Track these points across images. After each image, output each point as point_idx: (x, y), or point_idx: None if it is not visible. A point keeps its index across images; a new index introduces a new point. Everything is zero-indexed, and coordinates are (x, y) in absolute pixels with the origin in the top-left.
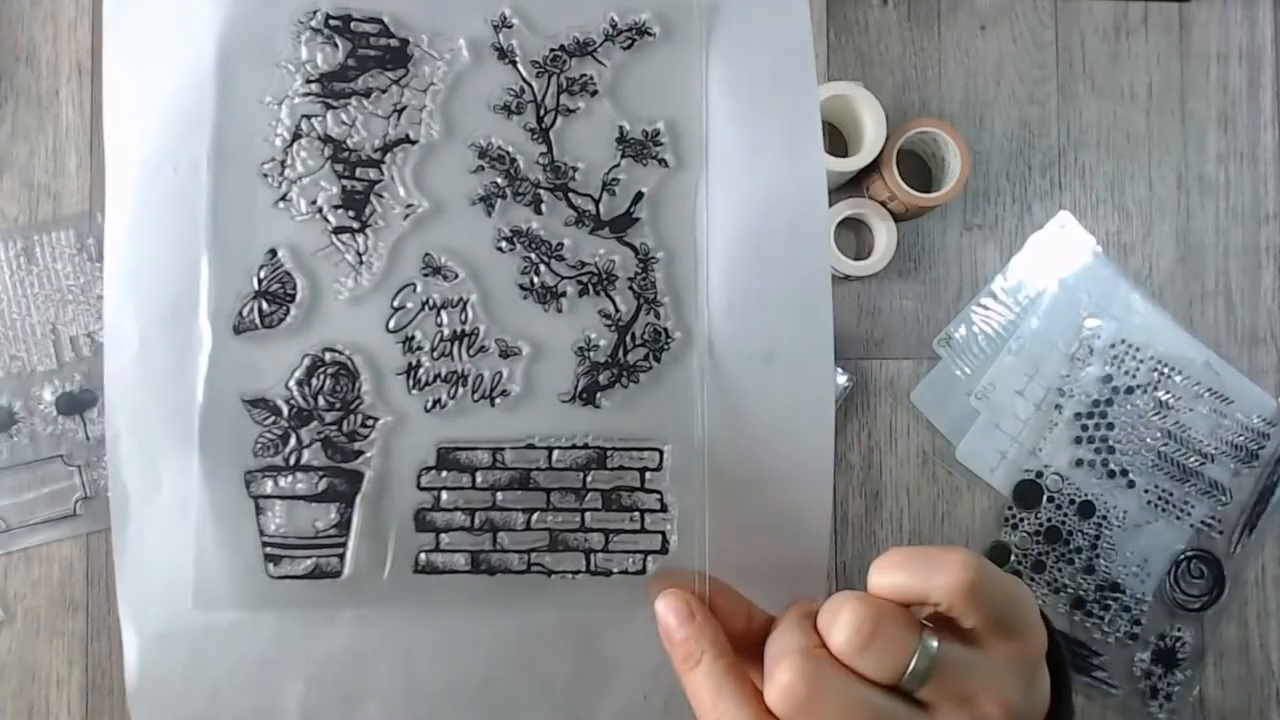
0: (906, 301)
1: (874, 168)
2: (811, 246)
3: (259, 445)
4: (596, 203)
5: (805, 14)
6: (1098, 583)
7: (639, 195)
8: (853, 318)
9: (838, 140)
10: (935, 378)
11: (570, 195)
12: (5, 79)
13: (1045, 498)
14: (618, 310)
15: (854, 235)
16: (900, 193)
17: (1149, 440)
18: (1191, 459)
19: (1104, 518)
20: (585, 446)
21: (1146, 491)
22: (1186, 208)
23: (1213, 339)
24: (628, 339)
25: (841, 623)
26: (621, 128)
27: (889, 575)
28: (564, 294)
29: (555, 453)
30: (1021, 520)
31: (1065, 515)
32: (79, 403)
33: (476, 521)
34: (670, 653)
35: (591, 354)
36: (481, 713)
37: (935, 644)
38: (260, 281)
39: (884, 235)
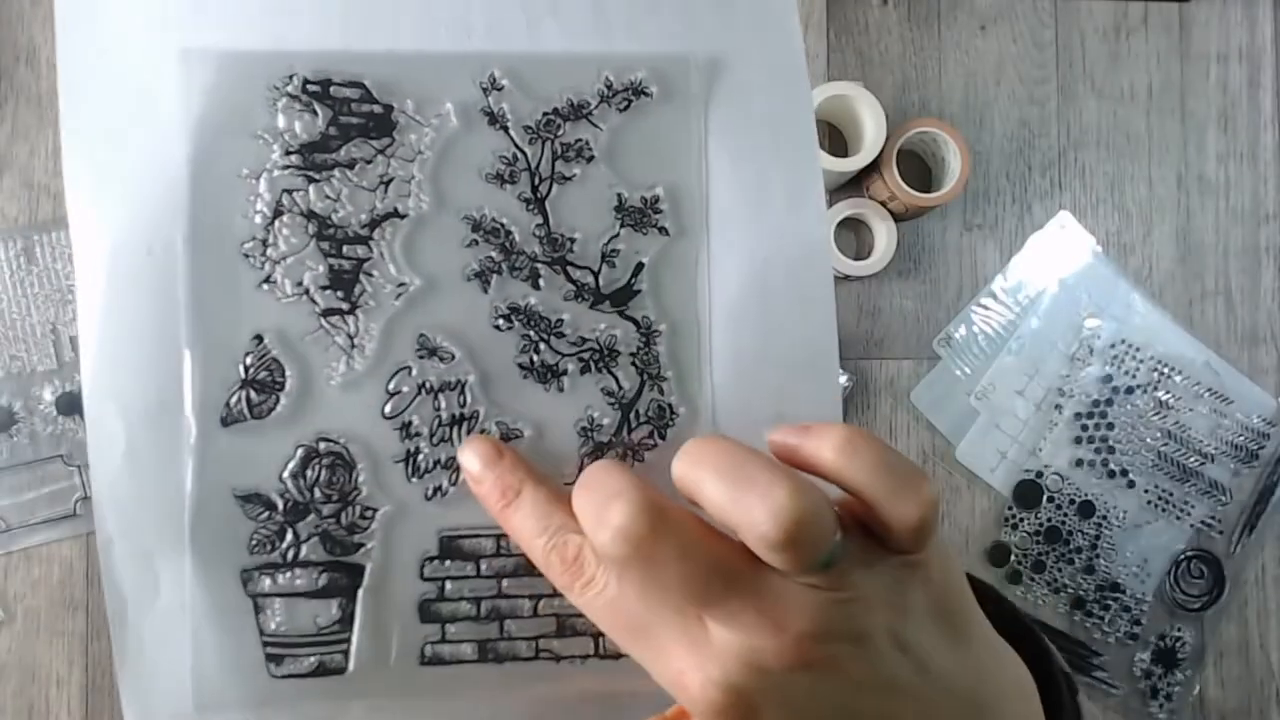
0: (906, 301)
1: (874, 168)
2: (817, 304)
3: (254, 542)
4: (596, 275)
5: (802, 64)
6: (1098, 583)
7: (639, 266)
8: (853, 318)
9: (838, 140)
10: (935, 378)
11: (569, 268)
12: (5, 79)
13: (1045, 498)
14: (620, 387)
15: (854, 235)
16: (900, 193)
17: (1149, 440)
18: (1191, 459)
19: (1104, 518)
20: None
21: (1146, 491)
22: (1186, 208)
23: (1213, 339)
24: (631, 417)
25: (769, 506)
26: (620, 195)
27: (855, 470)
28: (565, 372)
29: None
30: (1021, 520)
31: (1065, 515)
32: (79, 403)
33: (482, 610)
34: (485, 501)
35: (595, 433)
36: None
37: (839, 535)
38: (247, 370)
39: (884, 235)
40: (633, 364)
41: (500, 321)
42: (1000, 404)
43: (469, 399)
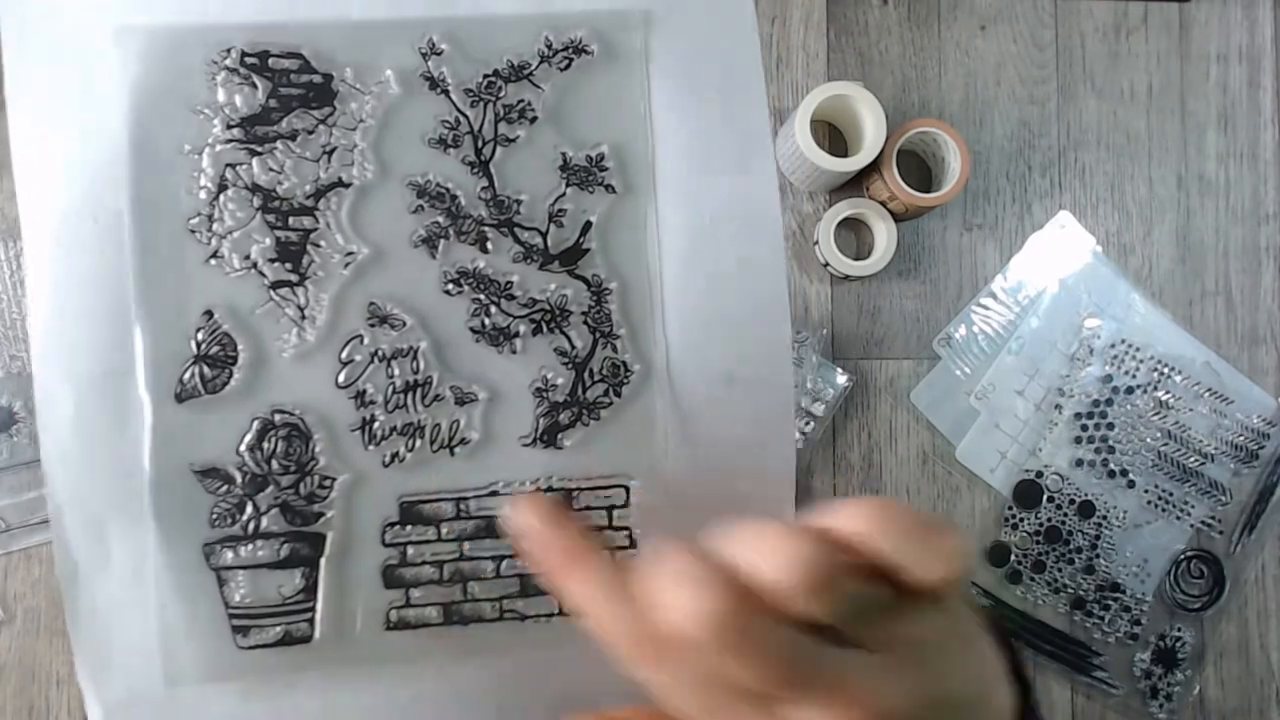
0: (906, 301)
1: (874, 168)
2: (768, 263)
3: (214, 516)
4: (544, 235)
5: (751, 21)
6: (1098, 583)
7: (587, 224)
8: (853, 318)
9: (838, 140)
10: (935, 378)
11: (516, 230)
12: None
13: (1045, 498)
14: (574, 347)
15: (854, 235)
16: (900, 193)
17: (1149, 440)
18: (1191, 459)
19: (1104, 518)
20: (550, 489)
21: (1146, 491)
22: (1186, 208)
23: (1213, 339)
24: (586, 376)
25: (787, 556)
26: (564, 154)
27: (882, 540)
28: (517, 334)
29: (515, 497)
30: (1021, 520)
31: (1065, 515)
32: None
33: (445, 573)
34: (545, 558)
35: (550, 394)
36: None
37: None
38: (199, 345)
39: (884, 235)
40: (585, 323)
41: (450, 286)
42: (1000, 404)
43: (422, 365)
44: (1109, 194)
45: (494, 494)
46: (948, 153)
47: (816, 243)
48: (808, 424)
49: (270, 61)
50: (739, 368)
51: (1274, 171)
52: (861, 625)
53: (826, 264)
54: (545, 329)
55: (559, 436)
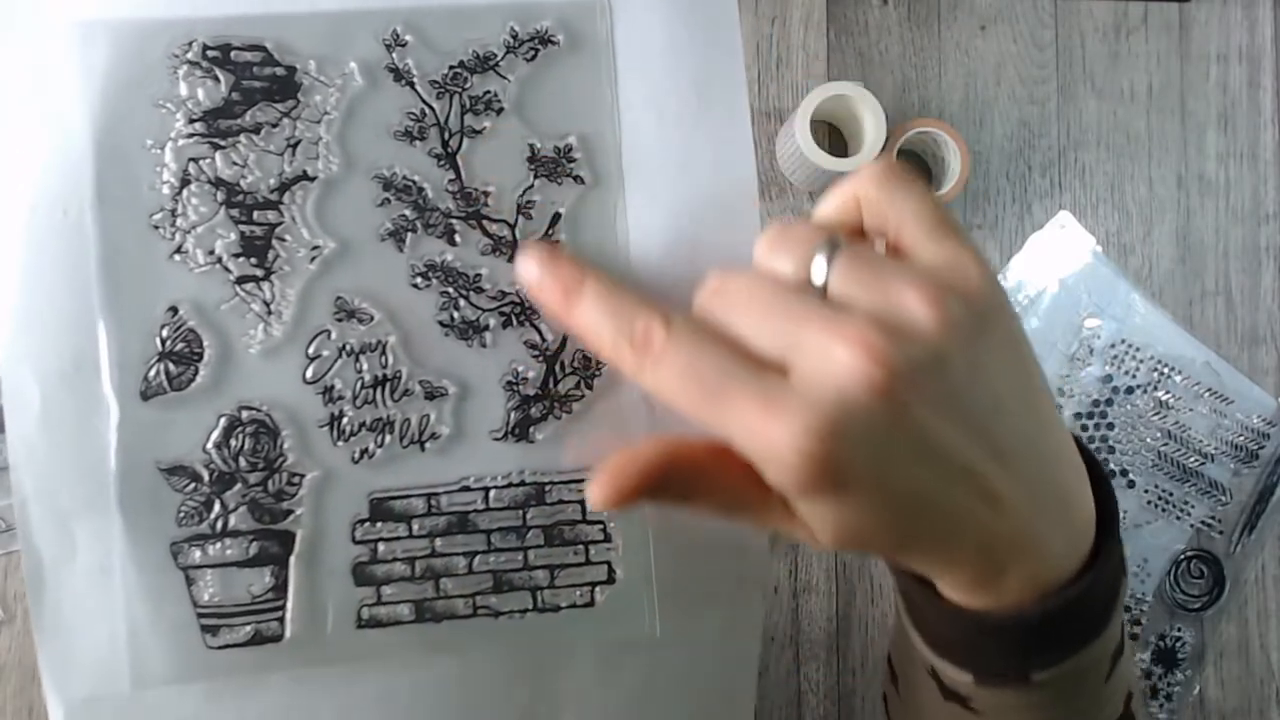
0: None
1: None
2: (744, 254)
3: (182, 514)
4: (513, 228)
5: (731, 10)
6: None
7: (556, 216)
8: None
9: (838, 140)
10: None
11: (484, 222)
12: None
13: None
14: (544, 339)
15: None
16: None
17: (1149, 440)
18: (1191, 459)
19: None
20: (522, 484)
21: (1146, 491)
22: (1186, 208)
23: (1213, 339)
24: (557, 368)
25: (757, 242)
26: (532, 145)
27: (824, 207)
28: (487, 327)
29: (492, 493)
30: None
31: None
32: None
33: (417, 570)
34: (548, 305)
35: (521, 387)
36: None
37: (839, 239)
38: (164, 342)
39: None
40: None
41: (418, 280)
42: None
43: (391, 359)
44: (1109, 194)
45: (465, 489)
46: (948, 153)
47: None
48: None
49: (232, 54)
50: None
51: (1274, 171)
52: (837, 276)
53: None
54: (515, 322)
55: (531, 430)
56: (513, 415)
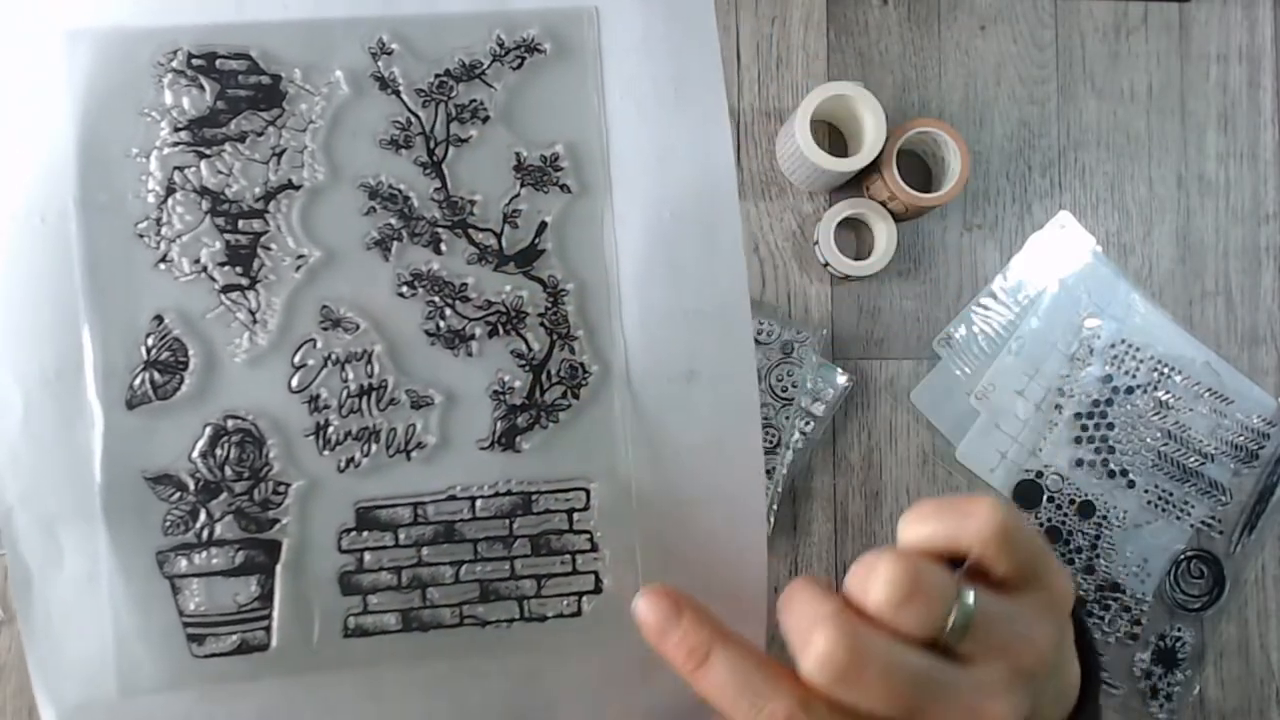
0: (906, 301)
1: (874, 168)
2: (727, 256)
3: (168, 523)
4: (499, 236)
5: (708, 15)
6: (1098, 583)
7: (542, 225)
8: (853, 318)
9: (838, 140)
10: (935, 378)
11: (470, 231)
12: None
13: (1045, 498)
14: (530, 349)
15: (854, 235)
16: (900, 193)
17: (1149, 440)
18: (1191, 459)
19: (1104, 518)
20: (509, 493)
21: (1146, 491)
22: (1186, 208)
23: (1213, 339)
24: (543, 378)
25: (879, 579)
26: (518, 154)
27: (920, 526)
28: (473, 336)
29: (478, 502)
30: None
31: (1065, 515)
32: None
33: (404, 579)
34: (669, 657)
35: (507, 397)
36: None
37: (972, 594)
38: (149, 351)
39: (884, 235)
40: (541, 325)
41: (404, 289)
42: (1000, 404)
43: (377, 368)
44: (1109, 194)
45: (452, 498)
46: (948, 153)
47: (816, 243)
48: (808, 424)
49: (218, 63)
50: (700, 365)
51: (1274, 171)
52: (969, 638)
53: (826, 264)
54: (501, 331)
55: (517, 439)
56: (499, 424)
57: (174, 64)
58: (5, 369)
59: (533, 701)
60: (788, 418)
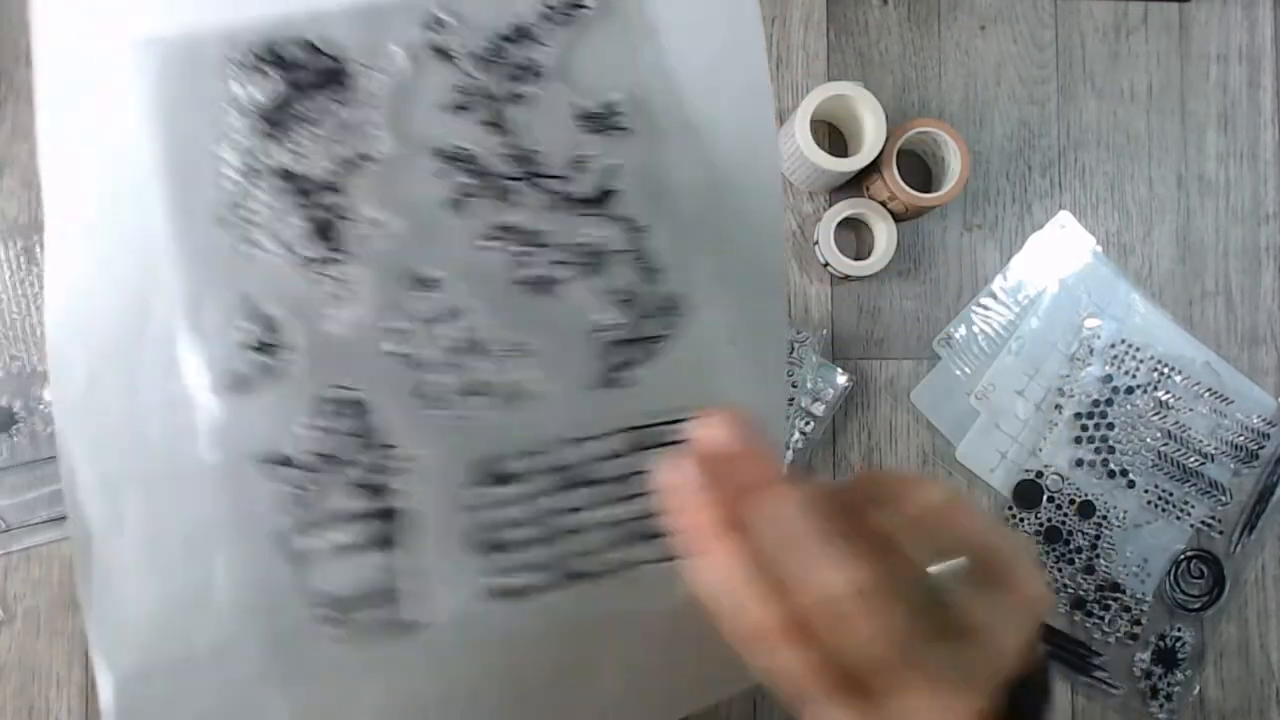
0: (906, 301)
1: (874, 168)
2: (767, 185)
3: (285, 503)
4: (570, 183)
5: None
6: (1098, 583)
7: (611, 168)
8: (853, 318)
9: (838, 140)
10: (935, 378)
11: (541, 180)
12: (5, 79)
13: (1045, 498)
14: (619, 286)
15: (854, 235)
16: (900, 193)
17: (1149, 440)
18: (1191, 459)
19: (1104, 518)
20: (623, 429)
21: (1146, 491)
22: (1186, 208)
23: (1213, 339)
24: (636, 313)
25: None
26: (579, 105)
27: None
28: (560, 280)
29: (591, 443)
30: (1021, 520)
31: (1065, 515)
32: None
33: (533, 531)
34: (694, 514)
35: (605, 334)
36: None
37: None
38: (244, 332)
39: (884, 235)
40: (626, 262)
41: (485, 243)
42: (1000, 404)
43: (471, 323)
44: (1109, 194)
45: (570, 441)
46: (948, 153)
47: (816, 243)
48: (808, 424)
49: (281, 52)
50: (744, 286)
51: (1274, 171)
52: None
53: (826, 264)
54: (587, 272)
55: (620, 376)
56: (600, 364)
57: (240, 58)
58: (74, 336)
59: (686, 636)
60: (787, 418)
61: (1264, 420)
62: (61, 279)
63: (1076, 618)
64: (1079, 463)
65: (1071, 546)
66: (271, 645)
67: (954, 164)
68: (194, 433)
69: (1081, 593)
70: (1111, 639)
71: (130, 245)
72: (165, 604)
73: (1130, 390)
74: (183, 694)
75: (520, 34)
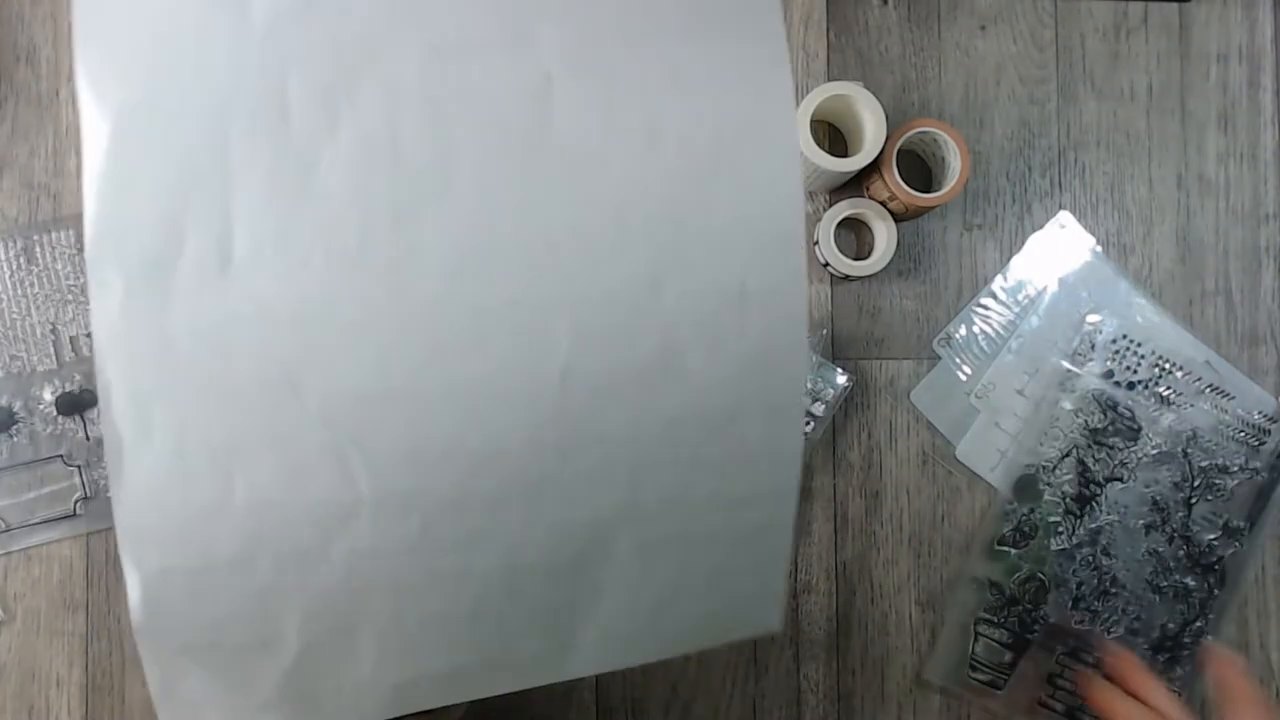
0: (906, 301)
1: (874, 168)
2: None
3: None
4: None
5: None
6: (1098, 578)
7: None
8: (853, 318)
9: (838, 140)
10: (935, 378)
11: None
12: (5, 79)
13: (1044, 494)
14: None
15: (854, 235)
16: (900, 193)
17: (1149, 436)
18: (1192, 455)
19: (1103, 513)
20: None
21: (1147, 488)
22: (1186, 208)
23: (1213, 339)
24: None
25: None
26: None
27: None
28: None
29: None
30: (1020, 514)
31: (1064, 509)
32: (79, 403)
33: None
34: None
35: None
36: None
37: None
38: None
39: (884, 235)
40: None
41: None
42: (1000, 403)
43: None
44: (1109, 194)
45: None
46: (948, 153)
47: (816, 243)
48: (808, 424)
49: None
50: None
51: (1274, 171)
52: None
53: (826, 264)
54: None
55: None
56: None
57: None
58: (110, 256)
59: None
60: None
61: (1265, 416)
62: (96, 186)
63: (1076, 616)
64: (1079, 458)
65: (1072, 542)
66: (289, 559)
67: (954, 164)
68: (227, 353)
69: (1081, 592)
70: (1111, 636)
71: (176, 153)
72: (187, 511)
73: (1131, 386)
74: (203, 597)
75: None
